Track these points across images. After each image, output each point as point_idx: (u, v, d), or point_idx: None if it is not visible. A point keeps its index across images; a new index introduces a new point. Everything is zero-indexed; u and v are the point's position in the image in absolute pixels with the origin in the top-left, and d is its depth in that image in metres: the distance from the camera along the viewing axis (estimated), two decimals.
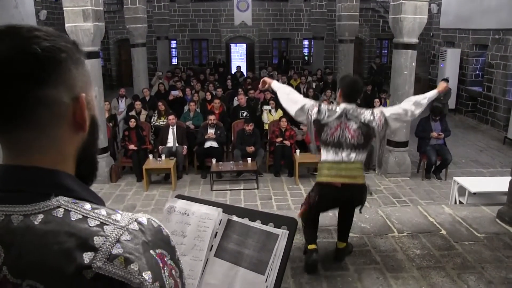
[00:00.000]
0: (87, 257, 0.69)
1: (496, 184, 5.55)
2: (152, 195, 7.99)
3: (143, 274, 0.71)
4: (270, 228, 1.54)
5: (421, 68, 17.08)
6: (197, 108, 10.47)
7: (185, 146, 8.90)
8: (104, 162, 8.48)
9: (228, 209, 1.67)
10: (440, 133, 8.46)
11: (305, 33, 19.68)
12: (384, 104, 10.73)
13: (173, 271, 0.77)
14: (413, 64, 8.25)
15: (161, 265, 0.75)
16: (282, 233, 1.51)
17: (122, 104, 11.66)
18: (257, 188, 8.23)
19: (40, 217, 0.72)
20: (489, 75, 12.84)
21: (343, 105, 3.54)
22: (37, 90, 0.74)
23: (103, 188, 8.23)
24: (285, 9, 19.59)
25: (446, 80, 4.18)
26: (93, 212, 0.75)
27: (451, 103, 13.71)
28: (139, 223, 0.77)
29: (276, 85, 3.81)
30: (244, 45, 20.34)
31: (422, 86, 15.87)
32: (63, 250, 0.69)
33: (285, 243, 1.49)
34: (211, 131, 8.98)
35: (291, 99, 3.68)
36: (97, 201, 0.81)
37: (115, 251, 0.70)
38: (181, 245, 1.65)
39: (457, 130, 12.05)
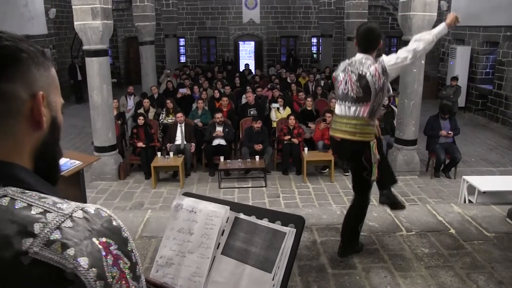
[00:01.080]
0: (25, 243, 0.70)
1: (506, 182, 5.50)
2: (160, 192, 8.01)
3: (79, 259, 0.71)
4: (277, 226, 1.53)
5: (430, 66, 16.96)
6: (205, 106, 10.48)
7: (193, 144, 8.91)
8: (112, 160, 8.52)
9: (235, 206, 1.66)
10: (449, 132, 8.40)
11: (313, 30, 19.62)
12: (393, 102, 10.67)
13: (120, 261, 0.76)
14: (422, 62, 8.20)
15: (103, 253, 0.74)
16: (290, 231, 1.50)
17: (131, 102, 11.70)
18: (265, 186, 8.22)
19: None
20: (500, 73, 12.72)
21: (357, 56, 3.51)
22: None
23: (112, 186, 8.27)
24: (294, 7, 19.54)
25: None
26: (39, 201, 0.76)
27: (461, 101, 13.59)
28: (85, 211, 0.77)
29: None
30: (252, 43, 20.32)
31: (431, 84, 15.79)
32: (2, 236, 0.70)
33: (292, 241, 1.48)
34: (219, 129, 8.98)
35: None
36: (53, 193, 0.81)
37: (53, 237, 0.71)
38: (188, 242, 1.65)
39: (466, 128, 11.95)
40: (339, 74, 3.54)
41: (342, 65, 3.57)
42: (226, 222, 1.63)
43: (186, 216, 1.71)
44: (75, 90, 16.13)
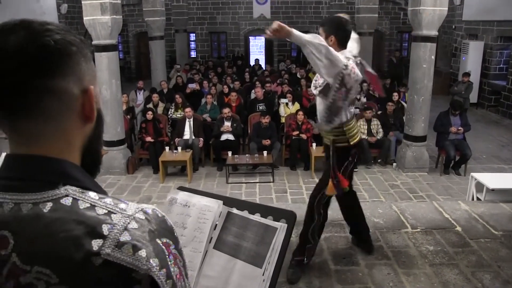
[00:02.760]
0: (95, 244, 0.71)
1: None
2: (168, 187, 8.04)
3: (151, 260, 0.73)
4: (268, 221, 1.52)
5: (443, 61, 16.81)
6: (214, 101, 10.49)
7: (201, 139, 8.93)
8: (121, 154, 8.57)
9: (228, 201, 1.65)
10: (459, 128, 8.30)
11: None
12: (403, 98, 10.58)
13: (178, 260, 0.80)
14: (432, 57, 8.09)
15: (166, 253, 0.77)
16: (281, 226, 1.49)
17: (140, 97, 11.75)
18: (273, 181, 8.21)
19: (49, 205, 0.74)
20: None
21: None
22: (47, 80, 0.76)
23: (120, 180, 8.31)
24: (304, 2, 19.43)
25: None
26: (101, 201, 0.77)
27: (473, 97, 13.43)
28: (145, 212, 0.79)
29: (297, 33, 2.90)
30: (263, 38, 20.26)
31: (443, 79, 15.63)
32: (72, 237, 0.71)
33: (283, 237, 1.47)
34: (227, 124, 8.98)
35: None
36: (101, 191, 0.82)
37: (123, 238, 0.73)
38: (182, 236, 1.65)
39: (478, 124, 11.82)
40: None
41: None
42: (219, 216, 1.62)
43: (180, 210, 1.71)
44: None
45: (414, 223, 4.24)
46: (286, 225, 1.48)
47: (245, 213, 1.58)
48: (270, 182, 8.19)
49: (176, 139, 8.91)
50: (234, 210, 1.61)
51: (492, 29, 13.50)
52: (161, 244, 0.76)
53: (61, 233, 0.71)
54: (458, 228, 4.15)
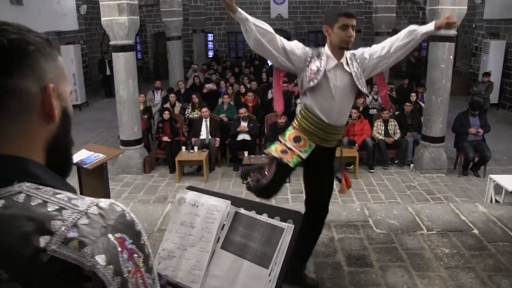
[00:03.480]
0: (43, 240, 0.70)
1: None
2: (184, 186, 8.00)
3: (96, 257, 0.71)
4: (276, 221, 1.52)
5: (462, 61, 16.56)
6: (230, 101, 10.51)
7: (218, 139, 8.95)
8: (138, 154, 8.64)
9: (236, 201, 1.65)
10: (479, 130, 8.16)
11: None
12: (421, 98, 10.46)
13: (135, 255, 0.77)
14: (451, 57, 7.98)
15: (119, 249, 0.75)
16: (288, 227, 1.48)
17: (158, 97, 11.84)
18: (289, 182, 8.17)
19: (1, 202, 0.74)
20: None
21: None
22: (4, 80, 0.76)
23: (137, 179, 8.39)
24: (322, 1, 19.35)
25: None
26: (54, 197, 0.76)
27: (494, 97, 13.19)
28: (100, 207, 0.77)
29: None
30: None
31: (462, 79, 15.40)
32: (21, 234, 0.71)
33: (290, 237, 1.46)
34: (243, 124, 8.99)
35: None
36: (66, 188, 0.82)
37: (70, 234, 0.72)
38: (190, 236, 1.66)
39: (499, 125, 11.61)
40: None
41: None
42: (227, 216, 1.62)
43: (188, 210, 1.71)
44: (105, 84, 16.42)
45: (430, 225, 4.19)
46: (293, 225, 1.48)
47: (252, 213, 1.58)
48: (286, 182, 8.15)
49: (193, 139, 8.95)
50: (242, 210, 1.61)
51: None
52: (113, 240, 0.74)
53: (11, 229, 0.71)
54: (475, 231, 4.08)
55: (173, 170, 8.61)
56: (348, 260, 3.60)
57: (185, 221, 1.71)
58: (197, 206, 1.71)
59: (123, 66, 8.25)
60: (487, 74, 11.95)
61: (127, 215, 0.80)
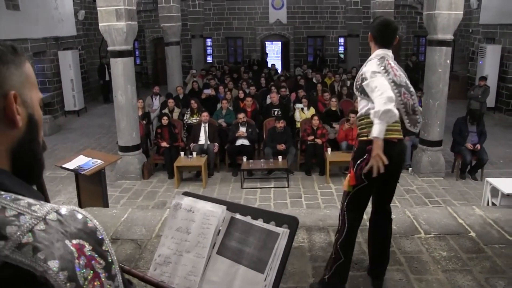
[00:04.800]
0: None
1: None
2: (183, 192, 8.06)
3: (48, 262, 0.71)
4: (271, 226, 1.52)
5: (460, 66, 16.63)
6: (229, 106, 10.53)
7: (217, 144, 8.97)
8: (136, 159, 8.65)
9: (232, 207, 1.66)
10: (476, 147, 8.16)
11: (340, 30, 19.48)
12: (419, 102, 10.47)
13: (94, 262, 0.77)
14: (448, 61, 8.02)
15: (76, 255, 0.74)
16: (283, 232, 1.49)
17: (156, 102, 11.86)
18: (288, 187, 8.20)
19: None
20: None
21: (380, 52, 3.06)
22: None
23: (135, 185, 8.39)
24: (320, 7, 19.44)
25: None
26: (13, 203, 0.76)
27: (491, 101, 13.24)
28: (59, 214, 0.77)
29: (376, 131, 2.78)
30: (279, 43, 20.31)
31: (460, 83, 15.46)
32: None
33: (285, 242, 1.47)
34: (242, 129, 9.01)
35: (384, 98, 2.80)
36: (31, 194, 0.82)
37: (25, 240, 0.71)
38: (186, 242, 1.66)
39: (496, 129, 11.65)
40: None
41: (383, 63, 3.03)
42: (223, 221, 1.63)
43: (184, 215, 1.72)
44: (104, 90, 16.43)
45: (428, 228, 4.20)
46: (288, 230, 1.49)
47: (248, 218, 1.59)
48: (285, 187, 8.19)
49: (191, 144, 8.96)
50: (237, 216, 1.62)
51: (510, 33, 13.31)
52: (70, 246, 0.74)
53: None
54: (472, 234, 4.09)
55: (171, 176, 8.61)
56: None
57: (181, 226, 1.71)
58: (193, 212, 1.72)
59: (122, 72, 8.27)
60: (484, 78, 11.99)
61: (88, 222, 0.80)
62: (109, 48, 8.27)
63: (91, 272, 0.75)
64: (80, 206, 5.62)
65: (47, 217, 0.75)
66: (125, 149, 8.59)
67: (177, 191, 8.11)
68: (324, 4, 19.42)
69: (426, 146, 8.39)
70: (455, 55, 14.85)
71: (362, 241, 3.97)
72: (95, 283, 0.76)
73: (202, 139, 9.01)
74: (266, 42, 20.21)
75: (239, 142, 8.99)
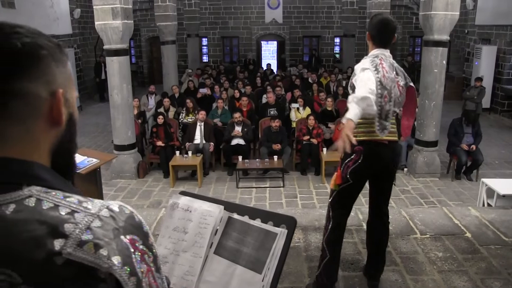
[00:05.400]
0: (57, 243, 0.71)
1: None
2: (178, 191, 8.01)
3: (112, 258, 0.73)
4: (269, 226, 1.52)
5: (455, 66, 16.69)
6: (225, 106, 10.52)
7: (212, 143, 8.95)
8: (131, 158, 8.62)
9: (229, 206, 1.65)
10: (472, 147, 8.18)
11: (336, 30, 19.49)
12: None
13: (146, 256, 0.79)
14: (444, 62, 8.04)
15: (132, 250, 0.77)
16: (281, 232, 1.48)
17: (152, 101, 11.83)
18: (283, 186, 8.20)
19: (12, 206, 0.74)
20: None
21: (376, 52, 3.01)
22: (14, 83, 0.76)
23: (130, 184, 8.37)
24: (316, 7, 19.44)
25: None
26: (65, 201, 0.77)
27: (486, 102, 13.31)
28: (110, 210, 0.79)
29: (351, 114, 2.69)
30: (275, 43, 20.30)
31: (456, 84, 15.51)
32: (34, 237, 0.71)
33: (283, 242, 1.47)
34: (238, 129, 9.00)
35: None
36: (71, 191, 0.82)
37: (85, 237, 0.73)
38: (183, 241, 1.65)
39: (491, 129, 11.70)
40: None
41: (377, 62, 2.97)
42: (220, 221, 1.62)
43: (181, 215, 1.71)
44: (99, 88, 16.37)
45: (423, 229, 4.20)
46: (286, 230, 1.48)
47: (245, 218, 1.58)
48: (280, 187, 8.18)
49: (187, 144, 8.94)
50: (235, 215, 1.61)
51: (506, 34, 13.37)
52: (126, 241, 0.76)
53: (23, 233, 0.71)
54: (468, 234, 4.10)
55: (167, 175, 8.59)
56: (342, 264, 3.60)
57: (178, 226, 1.70)
58: (190, 211, 1.71)
59: (117, 71, 8.24)
60: (479, 79, 12.04)
61: (135, 216, 0.82)
62: (105, 47, 8.24)
63: (145, 266, 0.79)
64: None
65: (100, 214, 0.77)
66: (121, 148, 8.57)
67: (172, 190, 8.09)
68: (320, 4, 19.42)
69: (422, 147, 8.41)
70: (451, 56, 14.89)
71: (358, 242, 3.97)
72: (149, 276, 0.79)
73: (198, 138, 9.00)
74: (262, 42, 20.19)
75: (235, 141, 8.98)
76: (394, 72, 3.02)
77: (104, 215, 0.77)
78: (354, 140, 2.62)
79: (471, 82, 13.28)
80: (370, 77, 2.86)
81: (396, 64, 3.09)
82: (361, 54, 18.45)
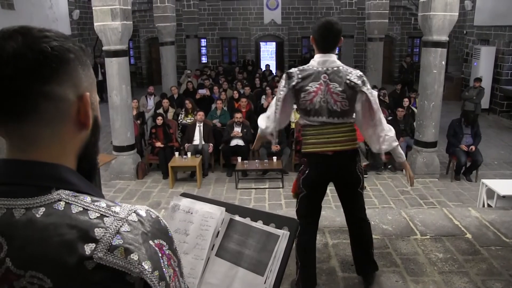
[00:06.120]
0: (88, 248, 0.72)
1: None
2: (177, 192, 7.96)
3: (143, 263, 0.74)
4: (271, 228, 1.51)
5: (454, 67, 16.70)
6: (224, 107, 10.51)
7: (211, 144, 8.94)
8: (131, 159, 8.61)
9: (231, 208, 1.64)
10: (471, 148, 8.19)
11: None
12: (413, 104, 10.52)
13: (172, 261, 0.81)
14: (443, 62, 8.04)
15: (160, 254, 0.77)
16: (283, 234, 1.47)
17: (151, 102, 11.81)
18: (282, 187, 8.19)
19: (42, 210, 0.75)
20: None
21: (318, 58, 2.89)
22: (43, 86, 0.77)
23: (130, 185, 8.35)
24: (315, 7, 19.45)
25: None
26: (93, 205, 0.77)
27: (485, 103, 13.32)
28: (138, 214, 0.79)
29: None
30: (273, 44, 20.29)
31: (455, 85, 15.53)
32: (64, 241, 0.72)
33: (285, 244, 1.46)
34: (237, 130, 8.99)
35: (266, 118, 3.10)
36: (97, 194, 0.83)
37: (115, 242, 0.73)
38: (184, 243, 1.64)
39: (490, 130, 11.71)
40: (308, 84, 2.87)
41: (302, 73, 2.89)
42: (221, 223, 1.61)
43: (182, 217, 1.70)
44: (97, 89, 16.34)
45: (424, 230, 4.20)
46: (288, 232, 1.47)
47: (247, 220, 1.57)
48: (279, 187, 8.17)
49: (186, 145, 8.93)
50: (237, 217, 1.60)
51: (504, 34, 13.39)
52: (154, 246, 0.77)
53: (54, 237, 0.72)
54: (468, 235, 4.09)
55: (166, 176, 8.58)
56: (343, 265, 3.60)
57: (179, 228, 1.69)
58: (191, 213, 1.70)
59: (116, 72, 8.24)
60: (478, 80, 12.05)
61: (161, 221, 0.83)
62: (104, 48, 8.23)
63: (172, 270, 0.80)
64: None
65: (129, 218, 0.77)
66: (120, 149, 8.55)
67: (171, 191, 8.08)
68: (319, 5, 19.43)
69: (421, 147, 8.40)
70: (449, 57, 14.90)
71: None
72: (176, 280, 0.81)
73: (197, 139, 8.99)
74: (261, 43, 20.19)
75: (234, 142, 8.97)
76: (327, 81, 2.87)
77: (132, 220, 0.77)
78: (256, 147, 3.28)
79: (470, 83, 13.30)
80: (271, 104, 3.06)
81: (343, 69, 2.90)
82: (360, 54, 18.53)
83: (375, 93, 2.93)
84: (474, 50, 14.47)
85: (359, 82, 2.83)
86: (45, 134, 0.80)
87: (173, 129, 9.36)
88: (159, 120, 9.00)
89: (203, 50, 20.40)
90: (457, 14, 7.79)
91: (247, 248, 1.51)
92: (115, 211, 0.77)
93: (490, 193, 5.31)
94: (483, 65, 13.70)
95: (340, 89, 2.84)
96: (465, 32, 15.82)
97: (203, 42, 20.17)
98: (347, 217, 3.32)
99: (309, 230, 3.22)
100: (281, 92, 2.91)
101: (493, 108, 13.93)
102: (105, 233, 0.73)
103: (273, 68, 18.41)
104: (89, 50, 0.86)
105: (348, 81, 2.83)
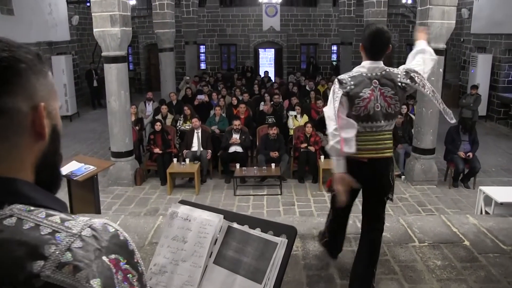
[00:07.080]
0: (36, 265, 0.69)
1: None
2: (176, 199, 8.03)
3: (91, 281, 0.70)
4: (269, 236, 1.51)
5: (452, 74, 16.75)
6: (222, 113, 10.52)
7: (210, 151, 8.94)
8: (129, 165, 8.60)
9: (229, 215, 1.64)
10: (468, 155, 8.21)
11: (333, 38, 19.57)
12: (411, 110, 10.54)
13: (130, 275, 0.77)
14: (440, 70, 8.08)
15: (114, 270, 0.74)
16: (281, 241, 1.47)
17: (149, 108, 11.82)
18: (281, 194, 8.19)
19: None
20: None
21: (367, 65, 2.98)
22: None
23: (127, 191, 8.34)
24: (314, 15, 19.54)
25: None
26: (46, 220, 0.75)
27: (482, 110, 13.36)
28: (93, 229, 0.76)
29: (333, 167, 2.98)
30: (272, 50, 20.35)
31: (452, 92, 15.57)
32: (13, 258, 0.70)
33: (283, 252, 1.46)
34: (235, 136, 8.99)
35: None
36: (58, 206, 0.81)
37: (64, 259, 0.70)
38: (182, 251, 1.64)
39: (488, 137, 11.73)
40: (361, 91, 2.93)
41: (354, 80, 2.96)
42: (220, 231, 1.61)
43: (180, 224, 1.70)
44: (92, 96, 16.37)
45: (422, 237, 4.19)
46: (286, 240, 1.47)
47: (245, 228, 1.57)
48: (278, 194, 8.17)
49: (184, 151, 8.93)
50: (235, 225, 1.60)
51: (500, 42, 13.47)
52: (107, 262, 0.74)
53: (4, 254, 0.70)
54: (466, 243, 4.09)
55: (164, 182, 8.57)
56: (341, 273, 3.59)
57: (177, 235, 1.69)
58: (189, 221, 1.70)
59: (115, 77, 8.24)
60: (475, 87, 12.08)
61: (120, 234, 0.79)
62: (103, 54, 8.25)
63: (128, 285, 0.76)
64: (72, 212, 5.56)
65: (82, 234, 0.74)
66: (118, 155, 8.54)
67: (169, 198, 8.07)
68: (318, 12, 19.52)
69: (419, 154, 8.42)
70: (447, 64, 14.95)
71: (356, 250, 3.95)
72: None
73: (195, 145, 8.98)
74: (260, 49, 20.25)
75: (232, 149, 8.97)
76: (379, 85, 2.96)
77: (86, 235, 0.74)
78: (343, 197, 2.89)
79: (467, 90, 13.34)
80: (329, 113, 2.88)
81: (392, 72, 3.02)
82: (358, 62, 18.48)
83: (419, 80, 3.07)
84: (471, 58, 14.55)
85: (408, 81, 2.98)
86: (1, 148, 0.77)
87: (171, 135, 9.35)
88: (158, 126, 9.00)
89: (202, 57, 20.45)
90: (454, 22, 7.83)
91: (245, 255, 1.51)
92: (68, 226, 0.74)
93: (488, 200, 5.32)
94: (480, 72, 13.77)
95: (393, 92, 2.95)
96: (462, 39, 15.91)
97: (202, 48, 20.23)
98: (365, 228, 3.29)
99: (342, 221, 3.49)
100: (337, 97, 2.89)
101: (490, 115, 13.98)
102: (55, 249, 0.71)
103: (271, 75, 18.46)
104: (43, 56, 0.84)
105: (399, 84, 2.96)
